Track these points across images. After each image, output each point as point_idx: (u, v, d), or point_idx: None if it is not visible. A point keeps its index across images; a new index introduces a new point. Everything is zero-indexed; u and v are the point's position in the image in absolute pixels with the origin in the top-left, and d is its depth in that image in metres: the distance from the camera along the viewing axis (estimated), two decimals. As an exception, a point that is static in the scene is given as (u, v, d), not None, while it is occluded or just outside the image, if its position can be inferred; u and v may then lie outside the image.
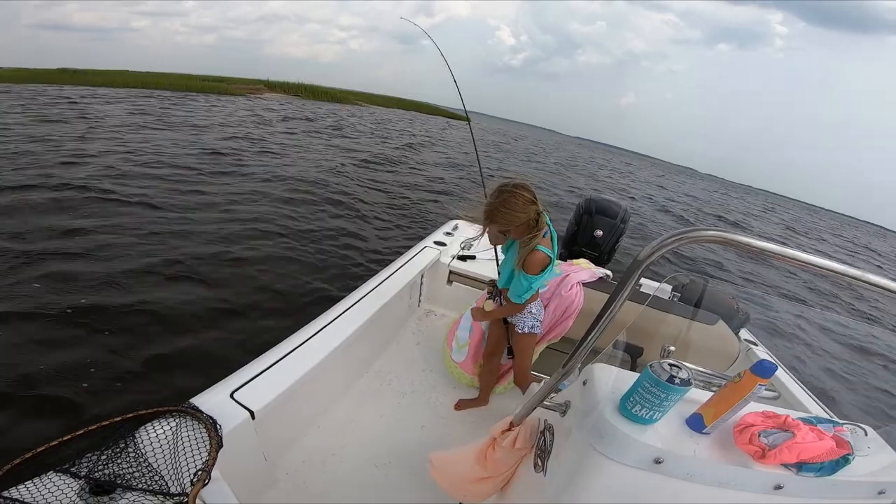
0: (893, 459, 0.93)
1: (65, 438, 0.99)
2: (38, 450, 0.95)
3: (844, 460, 0.86)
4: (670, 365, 0.89)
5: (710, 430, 0.92)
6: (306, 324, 1.76)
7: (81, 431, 1.00)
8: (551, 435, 1.05)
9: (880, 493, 0.89)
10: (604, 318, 0.84)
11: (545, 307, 1.96)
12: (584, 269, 2.19)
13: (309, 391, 1.62)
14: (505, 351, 2.02)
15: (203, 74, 33.42)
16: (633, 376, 0.93)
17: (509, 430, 1.18)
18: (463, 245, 3.00)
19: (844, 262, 0.70)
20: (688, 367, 0.89)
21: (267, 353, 1.54)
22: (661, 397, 0.87)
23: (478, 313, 1.89)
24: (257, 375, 1.41)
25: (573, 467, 0.93)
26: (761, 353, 2.35)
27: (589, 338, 0.88)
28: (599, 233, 2.86)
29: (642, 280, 2.57)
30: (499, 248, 2.00)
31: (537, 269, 1.59)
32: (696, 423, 0.94)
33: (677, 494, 0.85)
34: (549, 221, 1.60)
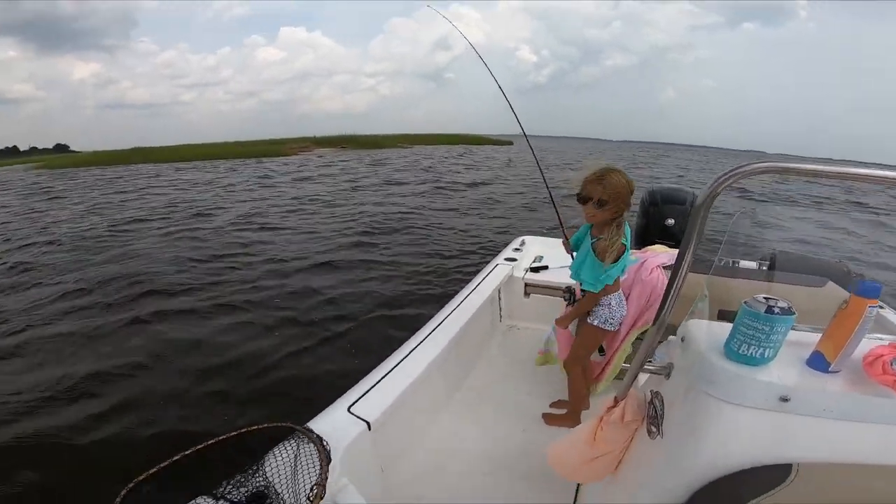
0: None
1: (187, 453, 1.04)
2: (163, 465, 1.01)
3: None
4: (765, 298, 0.81)
5: (837, 366, 0.81)
6: (405, 341, 1.88)
7: (200, 447, 1.06)
8: (660, 401, 0.98)
9: None
10: (682, 265, 0.79)
11: (627, 297, 1.85)
12: (662, 253, 2.07)
13: (415, 403, 1.69)
14: (597, 350, 1.94)
15: (253, 140, 36.59)
16: (730, 326, 0.86)
17: (615, 406, 1.12)
18: (535, 259, 3.02)
19: None
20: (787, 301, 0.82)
21: (376, 369, 1.65)
22: (766, 331, 0.78)
23: (561, 321, 1.85)
24: (370, 389, 1.52)
25: (692, 420, 0.85)
26: (889, 315, 2.07)
27: (674, 285, 0.83)
28: (671, 221, 2.77)
29: (736, 261, 2.41)
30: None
31: (613, 258, 1.55)
32: (818, 362, 0.82)
33: (811, 433, 0.75)
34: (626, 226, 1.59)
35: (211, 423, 2.71)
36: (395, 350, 1.82)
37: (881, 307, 2.16)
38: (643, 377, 1.15)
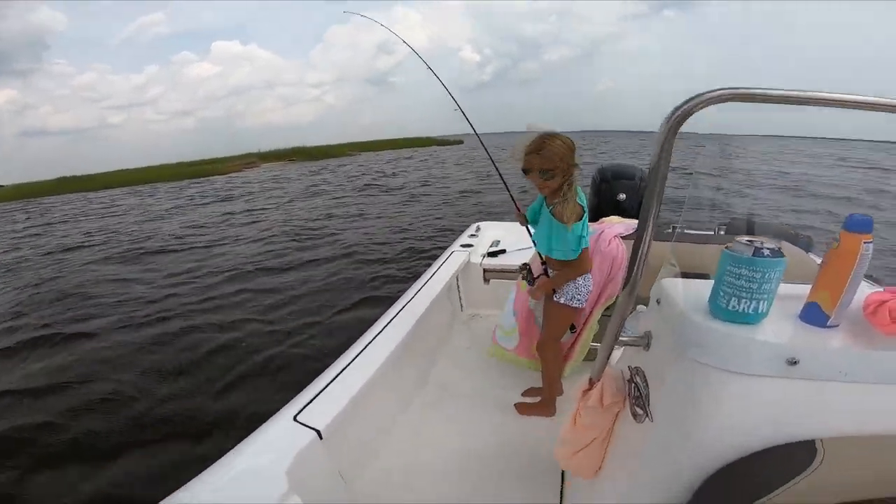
0: None
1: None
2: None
3: None
4: (749, 240, 0.68)
5: (836, 319, 0.69)
6: (354, 342, 1.75)
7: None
8: (642, 378, 0.85)
9: None
10: (648, 220, 0.65)
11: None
12: (618, 224, 2.00)
13: (372, 406, 1.59)
14: (568, 329, 1.83)
15: (194, 160, 34.77)
16: (710, 282, 0.73)
17: (590, 388, 0.98)
18: (491, 243, 2.92)
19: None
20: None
21: (324, 372, 1.53)
22: (757, 279, 0.65)
23: (535, 291, 1.74)
24: (318, 394, 1.40)
25: (684, 397, 0.71)
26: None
27: (643, 242, 0.69)
28: (623, 196, 2.74)
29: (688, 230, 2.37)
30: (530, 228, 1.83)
31: (574, 220, 1.49)
32: (813, 315, 0.70)
33: (830, 401, 0.62)
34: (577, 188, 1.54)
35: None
36: (345, 351, 1.67)
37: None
38: (617, 354, 1.02)
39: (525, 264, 1.79)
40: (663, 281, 0.83)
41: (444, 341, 2.40)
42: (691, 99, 0.59)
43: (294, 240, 7.53)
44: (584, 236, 1.55)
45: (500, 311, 2.08)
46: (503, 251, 2.79)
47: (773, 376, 0.63)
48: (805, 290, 0.72)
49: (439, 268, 2.55)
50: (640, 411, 0.83)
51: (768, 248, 0.66)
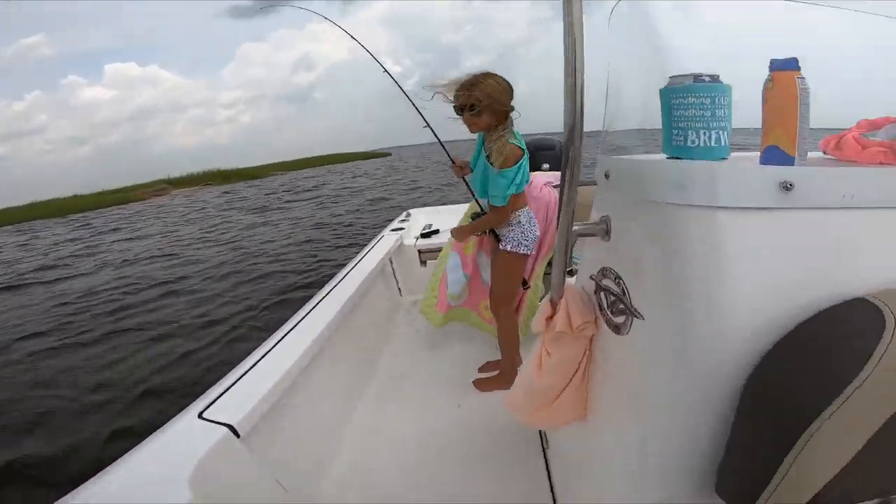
0: None
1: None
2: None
3: None
4: (684, 74, 0.57)
5: (801, 159, 0.61)
6: (275, 330, 1.52)
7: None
8: (613, 277, 0.69)
9: None
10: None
11: None
12: (542, 175, 1.96)
13: (308, 402, 1.40)
14: (520, 285, 1.72)
15: (98, 191, 31.46)
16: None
17: (553, 314, 0.80)
18: (423, 227, 2.80)
19: None
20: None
21: (237, 366, 1.29)
22: (708, 105, 0.54)
23: (458, 232, 1.70)
24: (229, 388, 1.16)
25: (680, 263, 0.55)
26: None
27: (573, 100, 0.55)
28: (546, 166, 2.80)
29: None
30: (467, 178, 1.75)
31: (511, 163, 1.42)
32: (777, 157, 0.60)
33: (836, 228, 0.50)
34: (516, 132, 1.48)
35: None
36: (266, 339, 1.46)
37: None
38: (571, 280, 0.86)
39: (476, 213, 1.72)
40: (605, 158, 0.69)
41: (386, 330, 2.22)
42: None
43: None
44: (517, 182, 1.46)
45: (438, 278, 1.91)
46: (437, 231, 2.69)
47: (763, 207, 0.49)
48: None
49: (369, 251, 2.38)
50: (620, 319, 0.67)
51: (708, 76, 0.55)
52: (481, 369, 1.83)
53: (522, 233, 1.56)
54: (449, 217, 2.78)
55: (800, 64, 0.57)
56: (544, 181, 1.85)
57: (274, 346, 1.39)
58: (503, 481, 1.26)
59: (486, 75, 1.42)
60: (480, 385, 1.73)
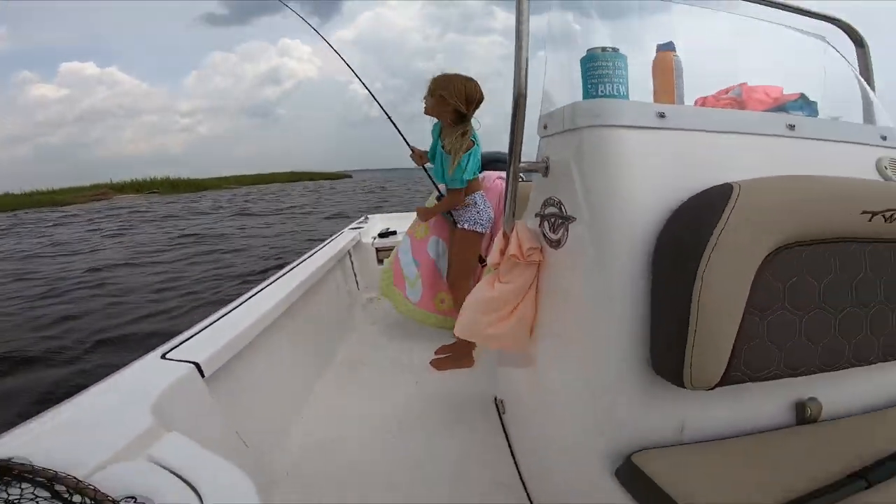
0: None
1: None
2: None
3: (807, 101, 0.88)
4: (595, 48, 0.82)
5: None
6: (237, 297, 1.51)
7: None
8: (554, 200, 0.85)
9: (883, 137, 0.88)
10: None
11: None
12: (495, 173, 2.18)
13: (269, 368, 1.39)
14: (477, 262, 1.88)
15: (30, 191, 29.11)
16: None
17: (506, 243, 0.96)
18: (381, 229, 2.93)
19: None
20: None
21: (200, 321, 1.24)
22: (611, 66, 0.79)
23: (422, 212, 1.88)
24: (193, 336, 1.12)
25: (596, 160, 0.74)
26: None
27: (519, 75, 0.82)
28: (502, 175, 3.07)
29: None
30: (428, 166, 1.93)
31: (461, 151, 1.63)
32: None
33: (699, 144, 0.74)
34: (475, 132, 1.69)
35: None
36: (228, 302, 1.45)
37: None
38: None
39: (440, 195, 1.85)
40: (542, 114, 0.91)
41: (344, 322, 2.27)
42: None
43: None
44: (470, 169, 1.66)
45: (394, 255, 2.06)
46: (394, 232, 2.83)
47: (651, 127, 0.72)
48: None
49: (329, 242, 2.48)
50: (559, 234, 0.83)
51: (610, 48, 0.81)
52: (438, 352, 1.90)
53: (478, 213, 1.76)
54: (402, 222, 2.86)
55: (675, 46, 0.86)
56: (496, 175, 2.08)
57: (235, 308, 1.38)
58: (464, 445, 1.31)
59: (456, 75, 1.65)
60: (437, 364, 1.83)
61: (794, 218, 0.62)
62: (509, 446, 1.28)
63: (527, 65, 0.82)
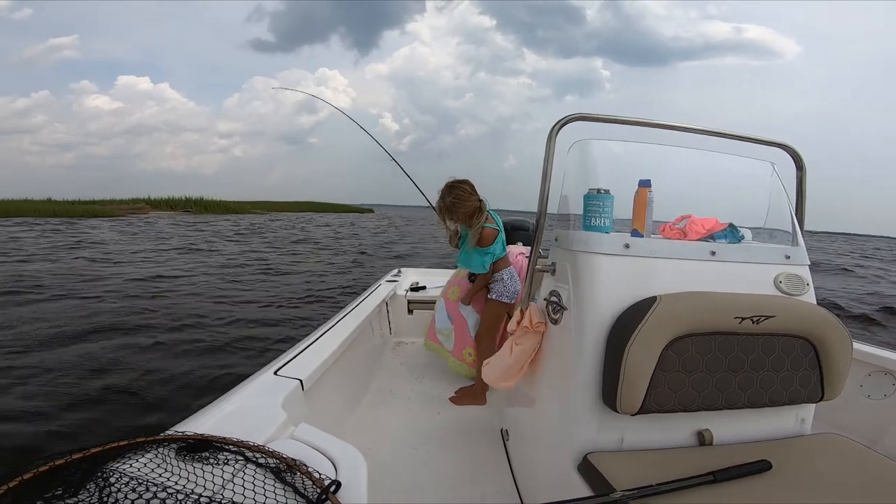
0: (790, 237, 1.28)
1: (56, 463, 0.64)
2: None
3: (733, 230, 1.24)
4: (594, 189, 1.18)
5: (647, 234, 1.16)
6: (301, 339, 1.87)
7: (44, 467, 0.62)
8: (556, 295, 1.22)
9: (787, 256, 1.21)
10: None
11: None
12: (517, 248, 2.57)
13: (326, 397, 1.67)
14: (502, 325, 2.20)
15: (72, 199, 30.77)
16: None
17: (521, 318, 1.34)
18: (412, 284, 3.31)
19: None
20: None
21: (272, 362, 1.55)
22: (601, 205, 1.14)
23: (465, 299, 2.22)
24: (300, 353, 1.57)
25: (582, 277, 1.11)
26: None
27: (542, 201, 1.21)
28: (520, 242, 3.18)
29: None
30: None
31: (489, 242, 1.99)
32: (636, 233, 1.16)
33: (649, 266, 1.10)
34: (490, 211, 2.03)
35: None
36: (303, 337, 1.85)
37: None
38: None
39: (471, 273, 2.22)
40: (558, 232, 1.28)
41: (378, 359, 2.65)
42: (562, 119, 1.20)
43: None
44: (493, 253, 2.02)
45: (422, 339, 2.48)
46: (423, 287, 3.22)
47: (616, 254, 1.09)
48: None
49: (372, 293, 2.87)
50: (558, 315, 1.21)
51: (602, 189, 1.17)
52: (456, 392, 2.24)
53: (504, 286, 2.10)
54: (432, 277, 3.42)
55: (651, 183, 1.18)
56: (518, 252, 2.44)
57: (315, 340, 1.79)
58: (474, 462, 1.68)
59: (450, 189, 1.97)
60: (456, 400, 2.18)
61: (689, 320, 1.01)
62: (509, 464, 1.65)
63: (548, 197, 1.21)
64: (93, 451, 0.69)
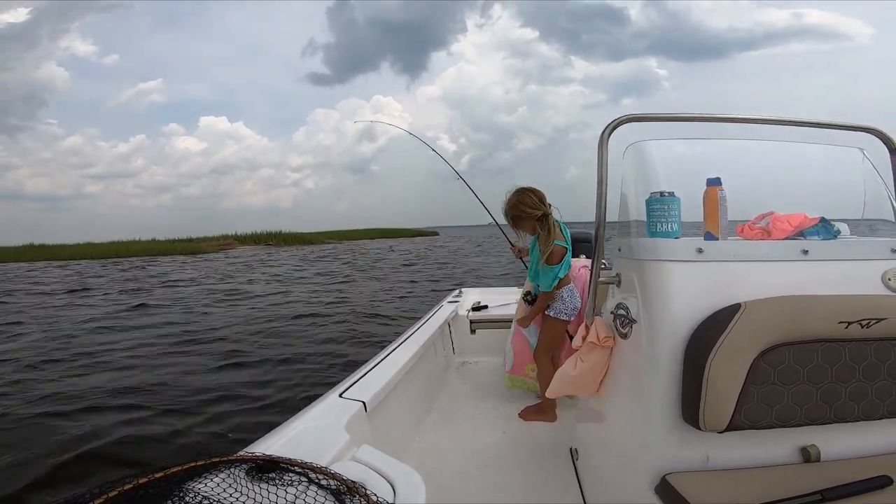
0: None
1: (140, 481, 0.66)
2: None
3: (826, 224, 1.08)
4: (652, 192, 1.09)
5: (723, 236, 1.05)
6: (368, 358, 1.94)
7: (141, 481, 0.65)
8: (624, 308, 1.14)
9: (893, 250, 1.05)
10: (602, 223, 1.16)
11: None
12: (580, 261, 2.45)
13: (389, 418, 1.66)
14: (561, 342, 2.14)
15: (172, 238, 34.68)
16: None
17: (588, 333, 1.27)
18: (474, 303, 3.32)
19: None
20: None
21: (344, 379, 1.62)
22: (667, 209, 1.05)
23: (523, 320, 2.17)
24: (365, 374, 1.60)
25: (652, 289, 1.03)
26: None
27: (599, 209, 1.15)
28: (583, 256, 3.25)
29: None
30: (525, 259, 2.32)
31: (557, 260, 1.94)
32: (709, 237, 1.06)
33: (728, 271, 1.00)
34: (559, 220, 1.97)
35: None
36: (368, 359, 1.90)
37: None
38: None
39: (528, 292, 2.19)
40: (619, 239, 1.20)
41: (442, 379, 2.63)
42: (611, 122, 1.12)
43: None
44: (559, 275, 1.96)
45: (486, 358, 2.57)
46: (486, 307, 3.22)
47: (688, 260, 1.00)
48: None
49: (434, 314, 2.90)
50: (627, 329, 1.13)
51: (667, 192, 1.07)
52: (524, 409, 2.18)
53: (563, 304, 2.02)
54: (493, 296, 3.41)
55: (721, 181, 1.07)
56: (581, 265, 2.33)
57: (381, 361, 1.83)
58: (542, 481, 1.61)
59: (512, 193, 1.96)
60: (525, 415, 2.11)
61: (783, 328, 0.91)
62: (579, 485, 1.56)
63: (606, 205, 1.14)
64: (173, 470, 0.74)
